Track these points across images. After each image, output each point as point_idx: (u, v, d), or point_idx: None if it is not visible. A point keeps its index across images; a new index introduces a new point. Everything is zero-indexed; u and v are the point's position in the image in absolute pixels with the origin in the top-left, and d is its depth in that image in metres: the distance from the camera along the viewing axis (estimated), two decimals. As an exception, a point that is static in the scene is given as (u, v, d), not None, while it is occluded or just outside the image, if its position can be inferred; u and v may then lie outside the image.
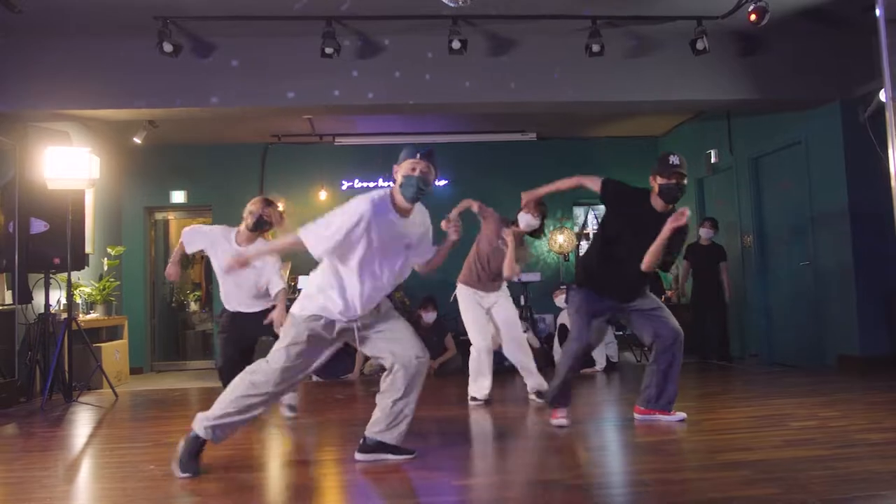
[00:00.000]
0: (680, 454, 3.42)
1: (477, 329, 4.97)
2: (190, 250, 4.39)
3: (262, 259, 4.22)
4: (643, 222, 3.79)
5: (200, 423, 3.11)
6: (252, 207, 4.37)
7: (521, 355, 4.98)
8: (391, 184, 3.22)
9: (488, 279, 4.99)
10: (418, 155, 3.11)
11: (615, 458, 3.37)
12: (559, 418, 3.95)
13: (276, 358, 3.15)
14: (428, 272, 3.45)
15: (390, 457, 3.26)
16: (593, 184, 3.92)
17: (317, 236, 3.04)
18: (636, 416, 4.11)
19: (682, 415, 4.04)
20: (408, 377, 3.20)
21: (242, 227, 4.38)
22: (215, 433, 3.12)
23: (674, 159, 3.77)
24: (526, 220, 4.79)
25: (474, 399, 4.98)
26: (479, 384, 4.97)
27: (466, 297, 5.02)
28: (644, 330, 4.04)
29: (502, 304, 5.05)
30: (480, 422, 4.41)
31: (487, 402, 4.94)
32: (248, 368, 3.23)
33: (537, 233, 4.92)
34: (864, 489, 2.62)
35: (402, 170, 3.12)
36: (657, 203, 3.84)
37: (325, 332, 3.20)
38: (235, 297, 4.44)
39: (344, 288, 3.13)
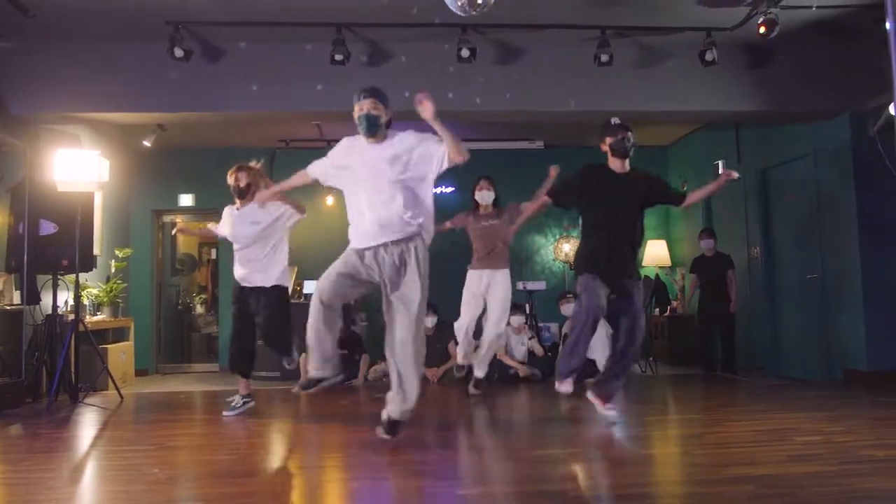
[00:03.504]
0: (684, 467, 3.41)
1: (466, 309, 5.53)
2: (219, 231, 5.10)
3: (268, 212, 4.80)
4: (611, 188, 4.16)
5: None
6: (229, 181, 4.91)
7: (492, 337, 5.48)
8: None
9: (486, 255, 5.51)
10: (361, 96, 3.57)
11: (617, 470, 3.36)
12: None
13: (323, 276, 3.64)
14: (454, 162, 3.52)
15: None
16: (544, 192, 4.40)
17: (315, 164, 3.92)
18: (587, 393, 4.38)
19: (615, 413, 4.26)
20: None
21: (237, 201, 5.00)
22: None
23: (615, 120, 4.22)
24: (483, 196, 5.57)
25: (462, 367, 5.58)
26: (463, 354, 5.52)
27: (469, 280, 5.59)
28: (615, 319, 4.26)
29: (498, 287, 5.48)
30: (484, 430, 4.40)
31: (466, 368, 5.54)
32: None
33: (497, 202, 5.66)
34: (870, 506, 2.61)
35: (354, 115, 3.61)
36: (615, 165, 4.22)
37: (359, 265, 3.60)
38: (247, 270, 4.85)
39: (357, 212, 3.62)
